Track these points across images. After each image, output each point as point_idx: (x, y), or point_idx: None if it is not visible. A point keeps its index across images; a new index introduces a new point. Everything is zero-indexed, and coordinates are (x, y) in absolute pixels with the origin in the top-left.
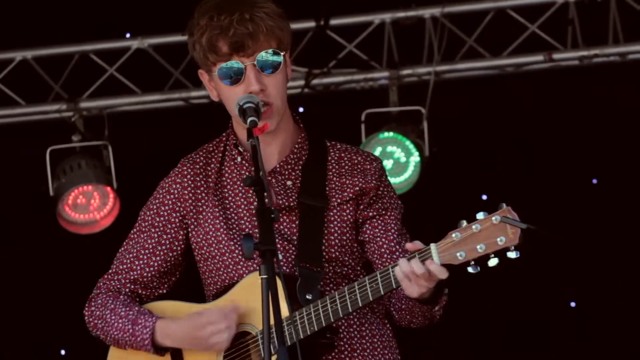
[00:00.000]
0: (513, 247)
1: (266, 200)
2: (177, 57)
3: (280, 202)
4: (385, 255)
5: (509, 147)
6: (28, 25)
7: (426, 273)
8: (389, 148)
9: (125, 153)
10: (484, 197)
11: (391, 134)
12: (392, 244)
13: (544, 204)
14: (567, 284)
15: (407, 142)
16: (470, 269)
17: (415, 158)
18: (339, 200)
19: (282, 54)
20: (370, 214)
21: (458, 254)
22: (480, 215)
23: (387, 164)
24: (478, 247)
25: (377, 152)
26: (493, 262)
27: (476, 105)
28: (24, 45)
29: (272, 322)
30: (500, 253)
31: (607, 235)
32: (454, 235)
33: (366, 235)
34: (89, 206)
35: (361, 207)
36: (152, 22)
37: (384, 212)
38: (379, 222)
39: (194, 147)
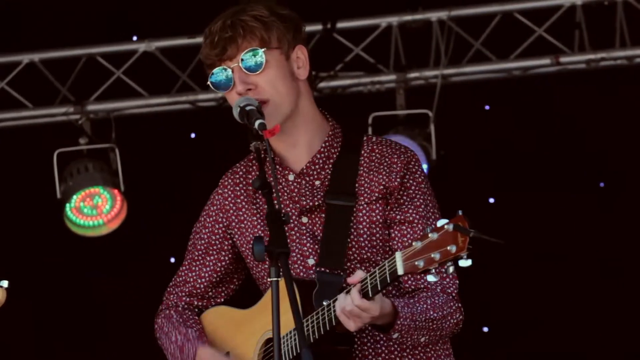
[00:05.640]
0: (465, 256)
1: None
2: (184, 60)
3: (304, 202)
4: None
5: (515, 151)
6: (35, 28)
7: (355, 309)
8: None
9: (133, 156)
10: (491, 200)
11: (398, 137)
12: None
13: (551, 207)
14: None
15: (414, 146)
16: (430, 277)
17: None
18: (367, 200)
19: (262, 50)
20: (398, 217)
21: (417, 263)
22: (439, 223)
23: None
24: (433, 255)
25: None
26: (449, 270)
27: (483, 109)
28: (31, 48)
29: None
30: (455, 261)
31: (613, 238)
32: (414, 243)
33: (394, 242)
34: (96, 209)
35: (389, 207)
36: (159, 25)
37: (411, 218)
38: (408, 230)
39: (202, 150)
